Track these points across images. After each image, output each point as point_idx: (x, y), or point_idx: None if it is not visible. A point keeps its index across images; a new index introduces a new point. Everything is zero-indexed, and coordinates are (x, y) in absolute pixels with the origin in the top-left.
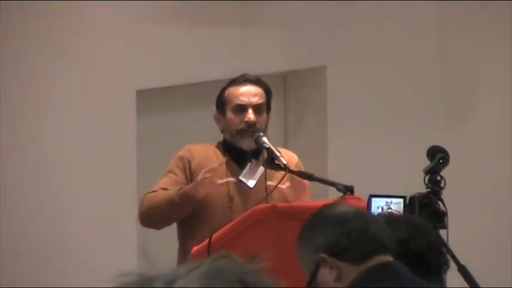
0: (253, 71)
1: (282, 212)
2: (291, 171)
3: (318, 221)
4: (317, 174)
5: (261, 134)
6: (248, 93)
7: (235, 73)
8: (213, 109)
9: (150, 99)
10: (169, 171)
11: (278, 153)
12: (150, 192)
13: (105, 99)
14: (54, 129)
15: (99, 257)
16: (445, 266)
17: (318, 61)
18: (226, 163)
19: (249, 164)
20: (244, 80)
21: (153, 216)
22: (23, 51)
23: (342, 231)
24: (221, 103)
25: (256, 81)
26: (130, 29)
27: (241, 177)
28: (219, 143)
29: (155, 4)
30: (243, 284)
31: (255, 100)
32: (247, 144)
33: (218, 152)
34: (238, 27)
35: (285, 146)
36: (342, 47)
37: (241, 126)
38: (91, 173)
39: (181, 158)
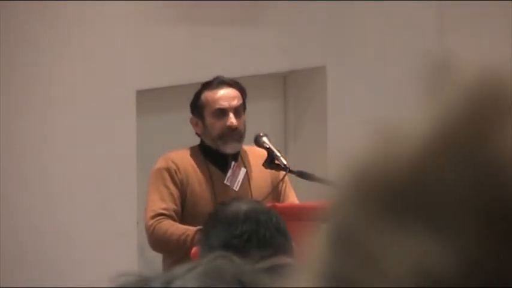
0: (253, 71)
1: (281, 212)
2: (291, 171)
3: (212, 221)
4: (317, 174)
5: (261, 134)
6: (227, 96)
7: (235, 73)
8: None
9: (150, 99)
10: (161, 185)
11: (278, 153)
12: (155, 216)
13: (105, 99)
14: (54, 129)
15: (99, 257)
16: None
17: (318, 61)
18: (208, 168)
19: (231, 168)
20: (219, 82)
21: (164, 250)
22: (23, 51)
23: (232, 234)
24: (198, 107)
25: (232, 83)
26: (130, 29)
27: (226, 181)
28: (193, 148)
29: (155, 4)
30: (241, 284)
31: (235, 103)
32: (230, 148)
33: (196, 158)
34: (238, 27)
35: (285, 146)
36: (342, 47)
37: (223, 130)
38: (91, 172)
39: (168, 170)
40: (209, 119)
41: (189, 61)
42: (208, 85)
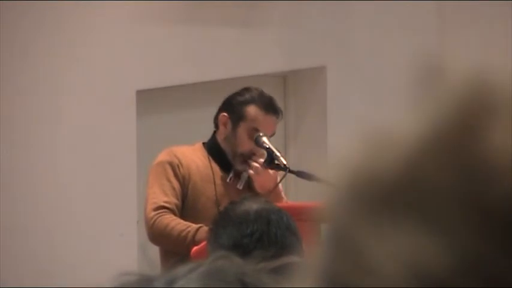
0: (253, 71)
1: None
2: (291, 171)
3: (222, 220)
4: (317, 174)
5: (260, 134)
6: (270, 123)
7: (235, 73)
8: (213, 109)
9: (150, 99)
10: (163, 179)
11: (278, 153)
12: (157, 209)
13: (105, 100)
14: (53, 130)
15: (99, 257)
16: None
17: (318, 61)
18: (211, 166)
19: (233, 169)
20: (270, 105)
21: (163, 244)
22: (22, 50)
23: (242, 233)
24: (237, 113)
25: (279, 111)
26: (130, 29)
27: (228, 180)
28: (197, 145)
29: (155, 4)
30: (243, 284)
31: (271, 132)
32: (241, 167)
33: (200, 155)
34: (238, 27)
35: (285, 146)
36: (342, 47)
37: (247, 152)
38: (91, 173)
39: (170, 164)
40: (242, 133)
41: (189, 61)
42: (257, 99)
